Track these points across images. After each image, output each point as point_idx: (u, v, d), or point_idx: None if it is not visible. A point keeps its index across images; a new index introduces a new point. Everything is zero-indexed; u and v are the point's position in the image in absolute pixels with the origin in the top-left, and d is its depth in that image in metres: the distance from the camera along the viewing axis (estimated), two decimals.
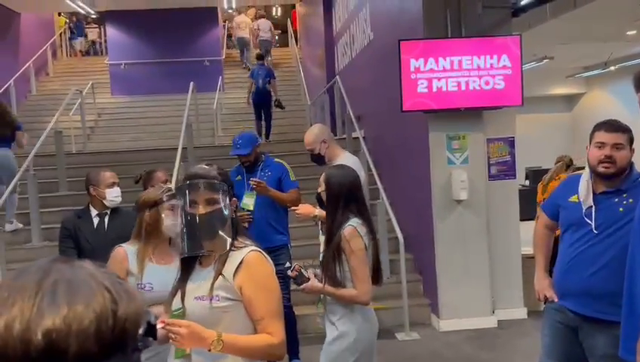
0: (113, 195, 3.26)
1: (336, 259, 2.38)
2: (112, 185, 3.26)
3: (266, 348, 1.71)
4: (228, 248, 1.77)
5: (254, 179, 3.83)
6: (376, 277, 2.46)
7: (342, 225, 2.40)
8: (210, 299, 1.72)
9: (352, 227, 2.38)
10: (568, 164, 5.40)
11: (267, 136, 9.14)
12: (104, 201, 3.26)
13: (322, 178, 2.57)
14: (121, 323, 0.61)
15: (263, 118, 9.18)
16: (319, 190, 2.59)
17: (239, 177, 3.99)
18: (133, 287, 0.65)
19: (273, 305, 1.76)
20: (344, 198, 2.44)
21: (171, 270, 2.33)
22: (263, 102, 9.07)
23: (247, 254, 1.76)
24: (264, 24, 13.34)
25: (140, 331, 0.64)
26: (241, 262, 1.74)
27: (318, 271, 2.48)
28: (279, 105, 9.25)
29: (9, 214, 5.97)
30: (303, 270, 2.46)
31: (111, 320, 0.60)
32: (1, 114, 6.00)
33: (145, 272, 2.38)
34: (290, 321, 3.70)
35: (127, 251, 2.43)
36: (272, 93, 9.14)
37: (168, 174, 3.70)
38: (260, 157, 4.02)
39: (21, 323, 0.57)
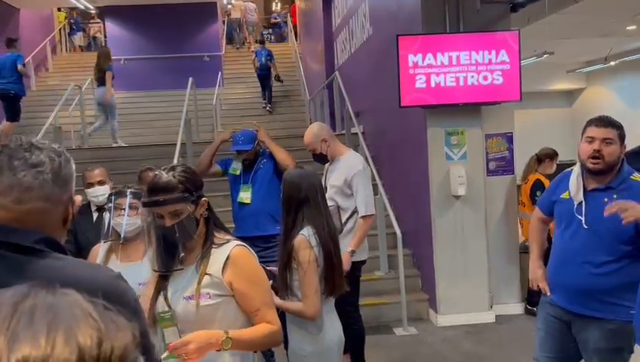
0: (92, 195, 3.26)
1: (287, 267, 2.27)
2: (89, 185, 3.25)
3: (269, 336, 1.78)
4: (207, 247, 1.78)
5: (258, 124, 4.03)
6: (330, 288, 2.30)
7: (293, 232, 2.28)
8: (200, 298, 1.73)
9: (303, 237, 2.24)
10: (541, 158, 5.17)
11: (269, 101, 11.38)
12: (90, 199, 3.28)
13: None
14: (106, 356, 0.54)
15: (266, 88, 11.41)
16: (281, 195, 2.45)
17: (238, 171, 4.00)
18: (123, 320, 0.58)
19: (266, 296, 1.83)
20: (296, 203, 2.30)
21: (135, 268, 2.36)
22: (265, 75, 11.28)
23: (233, 249, 1.77)
24: (250, 6, 15.48)
25: None
26: (227, 258, 1.75)
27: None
28: (278, 79, 11.61)
29: (114, 137, 8.12)
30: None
31: (95, 352, 0.53)
32: (106, 57, 8.11)
33: None
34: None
35: (100, 249, 2.45)
36: (273, 70, 11.34)
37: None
38: (259, 151, 4.03)
39: None
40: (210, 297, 1.72)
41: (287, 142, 7.73)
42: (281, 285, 2.28)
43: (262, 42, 12.06)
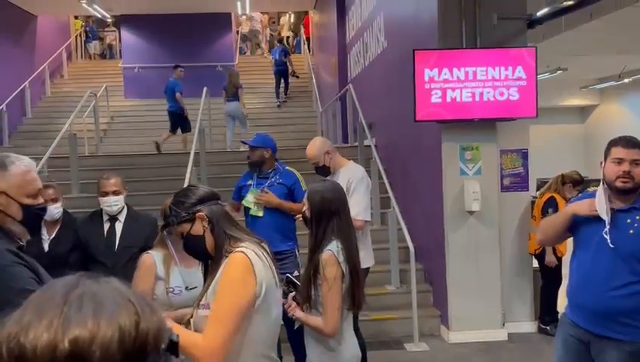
0: (105, 204, 3.21)
1: (311, 280, 2.24)
2: (103, 194, 3.20)
3: (190, 348, 1.62)
4: (216, 258, 1.79)
5: (259, 195, 3.87)
6: (359, 302, 2.29)
7: (322, 246, 2.25)
8: (199, 308, 1.75)
9: (331, 253, 2.22)
10: (565, 181, 5.05)
11: (285, 93, 12.32)
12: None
13: (305, 196, 2.42)
14: (143, 335, 0.63)
15: (282, 82, 12.28)
16: (303, 209, 2.41)
17: (250, 182, 4.03)
18: (155, 303, 0.68)
19: (221, 310, 1.66)
20: (327, 215, 2.28)
21: (197, 273, 2.42)
22: (281, 70, 12.20)
23: (231, 256, 1.73)
24: (255, 16, 15.85)
25: (162, 346, 0.66)
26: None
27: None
28: (294, 75, 12.79)
29: (230, 141, 9.22)
30: (292, 278, 2.38)
31: (134, 332, 0.62)
32: (237, 77, 9.58)
33: (172, 277, 2.48)
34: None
35: (154, 257, 2.53)
36: (289, 65, 12.36)
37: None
38: (274, 164, 4.04)
39: (49, 332, 0.60)
40: (210, 308, 1.71)
41: (298, 153, 7.74)
42: (304, 298, 2.27)
43: (280, 41, 13.48)
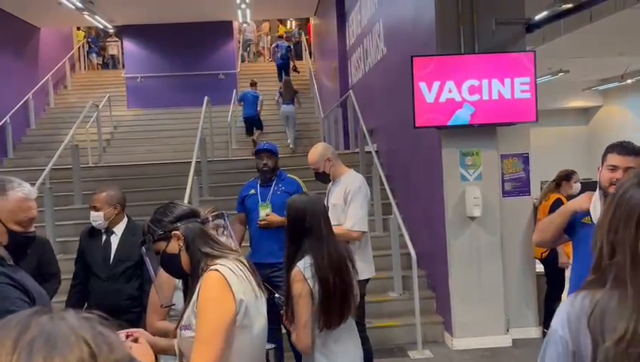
0: (90, 217, 3.23)
1: (289, 296, 2.26)
2: (90, 207, 3.22)
3: None
4: (193, 277, 1.76)
5: (261, 222, 3.90)
6: (328, 321, 2.21)
7: (295, 261, 2.24)
8: (180, 330, 1.73)
9: (298, 269, 2.21)
10: (558, 183, 5.06)
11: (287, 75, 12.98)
12: None
13: (286, 210, 2.40)
14: None
15: (284, 75, 12.86)
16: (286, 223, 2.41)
17: (253, 191, 4.04)
18: (116, 338, 0.65)
19: (204, 331, 1.63)
20: (300, 233, 2.28)
21: None
22: (284, 65, 13.25)
23: (205, 274, 1.70)
24: (247, 28, 16.57)
25: None
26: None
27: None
28: (295, 70, 13.84)
29: (291, 139, 10.47)
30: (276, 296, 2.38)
31: None
32: (290, 84, 10.76)
33: None
34: None
35: None
36: (291, 61, 13.54)
37: None
38: (276, 171, 4.08)
39: None
40: (192, 329, 1.69)
41: (300, 160, 7.75)
42: (286, 314, 2.27)
43: (279, 37, 14.58)
